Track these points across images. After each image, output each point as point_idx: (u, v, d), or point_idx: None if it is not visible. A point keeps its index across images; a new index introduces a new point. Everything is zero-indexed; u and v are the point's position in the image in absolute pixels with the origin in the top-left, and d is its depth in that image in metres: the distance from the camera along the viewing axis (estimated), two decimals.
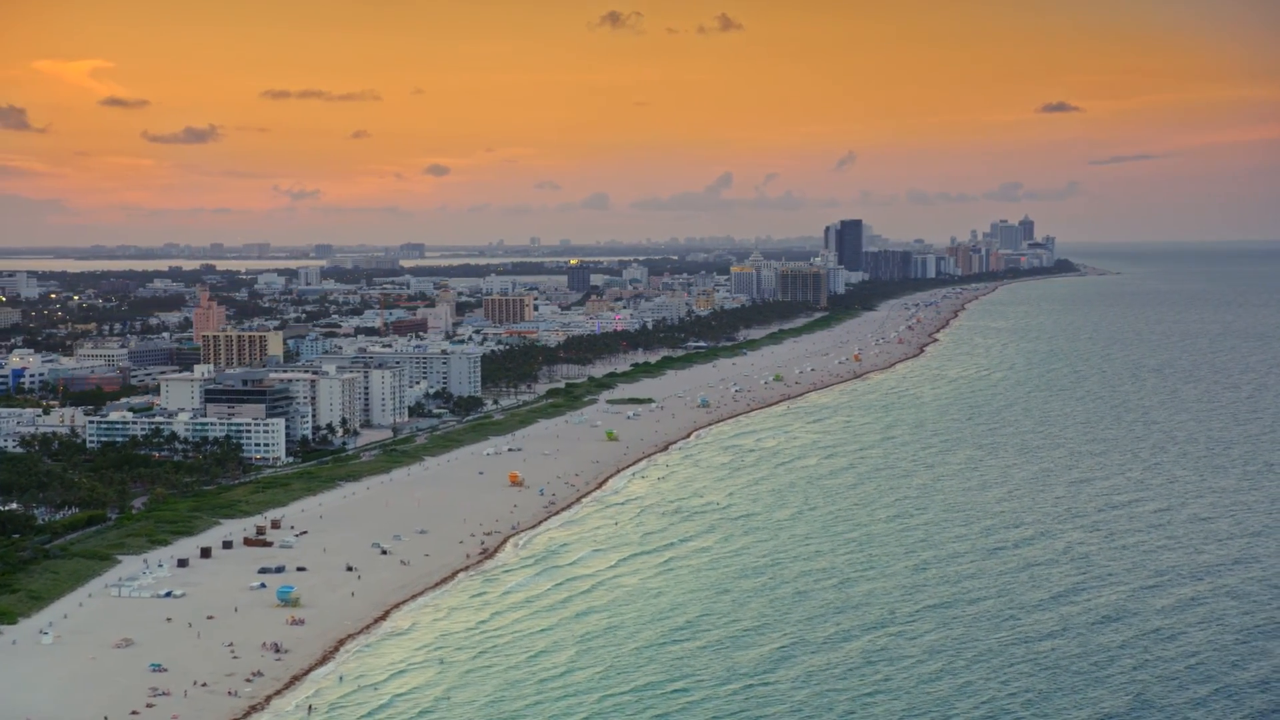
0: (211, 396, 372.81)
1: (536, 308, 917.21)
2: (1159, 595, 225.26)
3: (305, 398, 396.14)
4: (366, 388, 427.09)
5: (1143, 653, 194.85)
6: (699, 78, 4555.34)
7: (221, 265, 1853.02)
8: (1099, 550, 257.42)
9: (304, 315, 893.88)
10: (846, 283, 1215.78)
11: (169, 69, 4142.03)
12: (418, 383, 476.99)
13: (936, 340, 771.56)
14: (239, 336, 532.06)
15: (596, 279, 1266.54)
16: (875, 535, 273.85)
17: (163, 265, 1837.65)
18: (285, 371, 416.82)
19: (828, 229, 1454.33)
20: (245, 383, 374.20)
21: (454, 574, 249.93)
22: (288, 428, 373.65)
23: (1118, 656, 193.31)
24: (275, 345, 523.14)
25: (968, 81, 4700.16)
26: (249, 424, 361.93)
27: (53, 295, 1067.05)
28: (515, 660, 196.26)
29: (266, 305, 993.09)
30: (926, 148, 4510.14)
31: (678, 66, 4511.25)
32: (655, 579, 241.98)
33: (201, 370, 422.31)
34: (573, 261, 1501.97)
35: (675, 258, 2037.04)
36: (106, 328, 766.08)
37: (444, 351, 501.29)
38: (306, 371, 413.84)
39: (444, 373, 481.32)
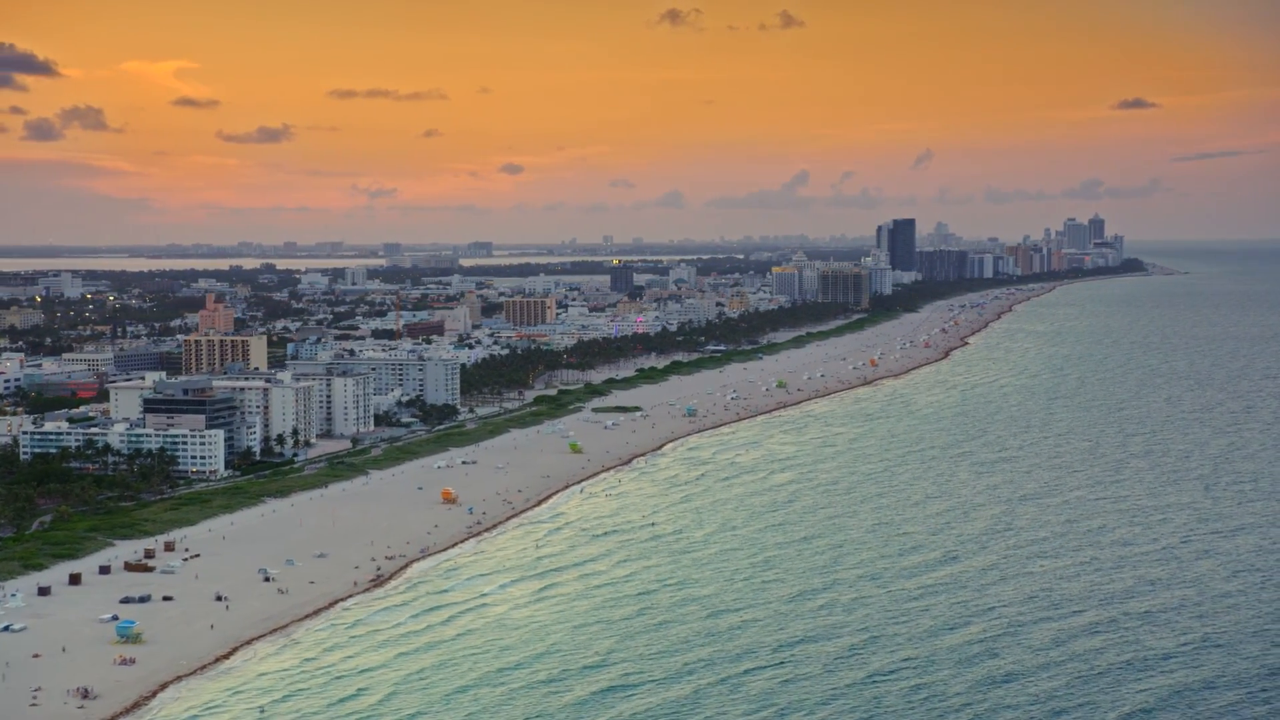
0: (150, 406, 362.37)
1: (566, 307, 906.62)
2: (1039, 630, 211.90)
3: (257, 407, 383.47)
4: (329, 396, 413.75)
5: (994, 700, 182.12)
6: (765, 75, 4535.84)
7: (284, 264, 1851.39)
8: (1004, 577, 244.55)
9: (332, 316, 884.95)
10: (896, 283, 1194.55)
11: (239, 69, 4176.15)
12: (392, 390, 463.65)
13: (967, 344, 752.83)
14: (221, 341, 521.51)
15: (641, 279, 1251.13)
16: (778, 558, 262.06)
17: (224, 264, 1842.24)
18: (240, 379, 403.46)
19: (880, 228, 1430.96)
20: (186, 392, 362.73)
21: (332, 604, 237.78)
22: (232, 439, 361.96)
23: (964, 705, 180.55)
24: (258, 350, 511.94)
25: (1039, 79, 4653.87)
26: (186, 435, 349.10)
27: (87, 296, 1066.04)
28: (322, 703, 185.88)
29: (299, 306, 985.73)
30: (1003, 145, 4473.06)
31: (741, 64, 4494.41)
32: (525, 609, 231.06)
33: (154, 378, 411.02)
34: (615, 261, 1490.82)
35: (741, 256, 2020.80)
36: (127, 329, 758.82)
37: (421, 358, 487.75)
38: (259, 380, 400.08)
39: (420, 380, 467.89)
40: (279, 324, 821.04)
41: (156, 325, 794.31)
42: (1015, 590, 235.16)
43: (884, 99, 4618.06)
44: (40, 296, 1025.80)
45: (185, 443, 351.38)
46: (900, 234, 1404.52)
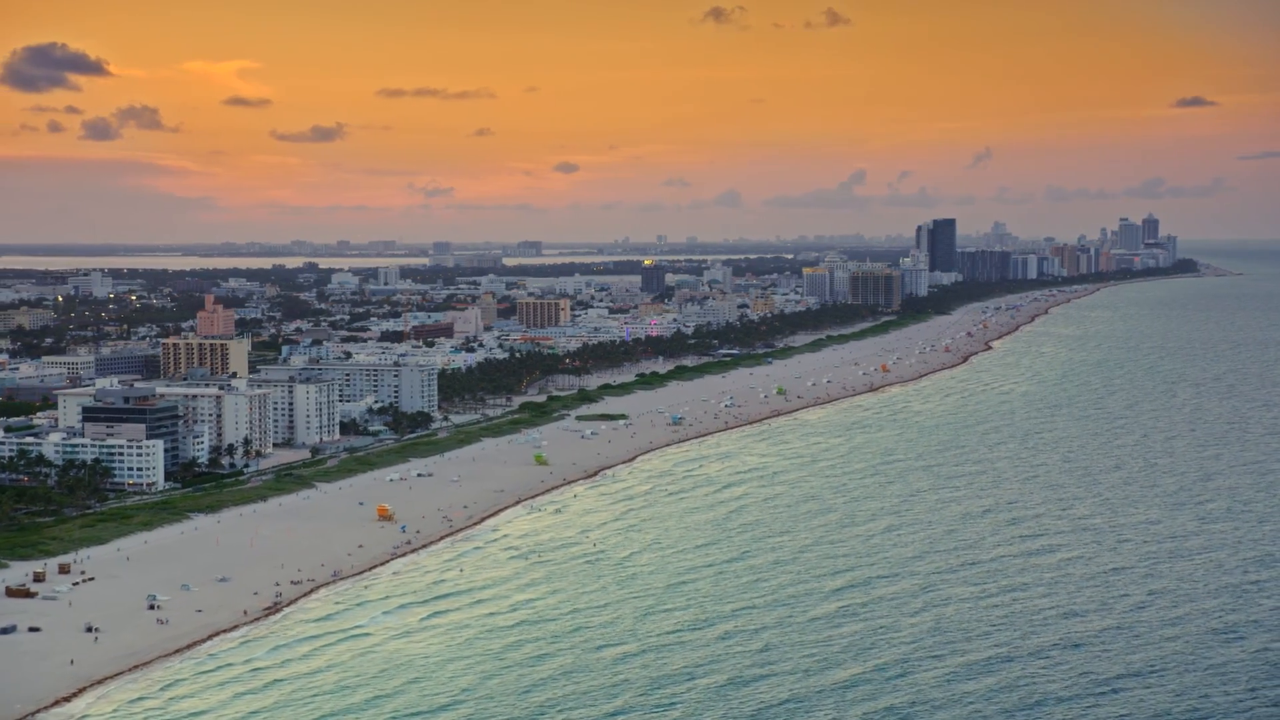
0: (90, 415, 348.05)
1: (590, 308, 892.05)
2: (935, 666, 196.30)
3: (210, 415, 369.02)
4: (291, 404, 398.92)
5: None
6: (814, 74, 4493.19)
7: (327, 263, 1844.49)
8: (928, 604, 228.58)
9: (349, 317, 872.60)
10: (935, 284, 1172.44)
11: (289, 68, 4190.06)
12: (365, 397, 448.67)
13: (990, 349, 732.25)
14: (200, 344, 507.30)
15: (674, 279, 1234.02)
16: (694, 582, 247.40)
17: (267, 263, 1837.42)
18: (196, 386, 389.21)
19: (919, 228, 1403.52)
20: (127, 400, 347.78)
21: (212, 635, 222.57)
22: (175, 450, 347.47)
23: None
24: (238, 354, 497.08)
25: (1093, 77, 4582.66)
26: (123, 446, 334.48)
27: (111, 295, 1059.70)
28: None
29: (321, 307, 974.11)
30: (1063, 144, 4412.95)
31: (789, 62, 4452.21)
32: (400, 639, 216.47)
33: (105, 383, 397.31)
34: (648, 261, 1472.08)
35: (790, 256, 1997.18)
36: (131, 331, 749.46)
37: (396, 363, 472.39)
38: (213, 387, 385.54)
39: (395, 387, 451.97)
40: (293, 325, 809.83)
41: (169, 326, 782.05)
42: (930, 618, 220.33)
43: (938, 98, 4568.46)
44: (63, 296, 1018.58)
45: (122, 453, 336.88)
46: (940, 234, 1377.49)
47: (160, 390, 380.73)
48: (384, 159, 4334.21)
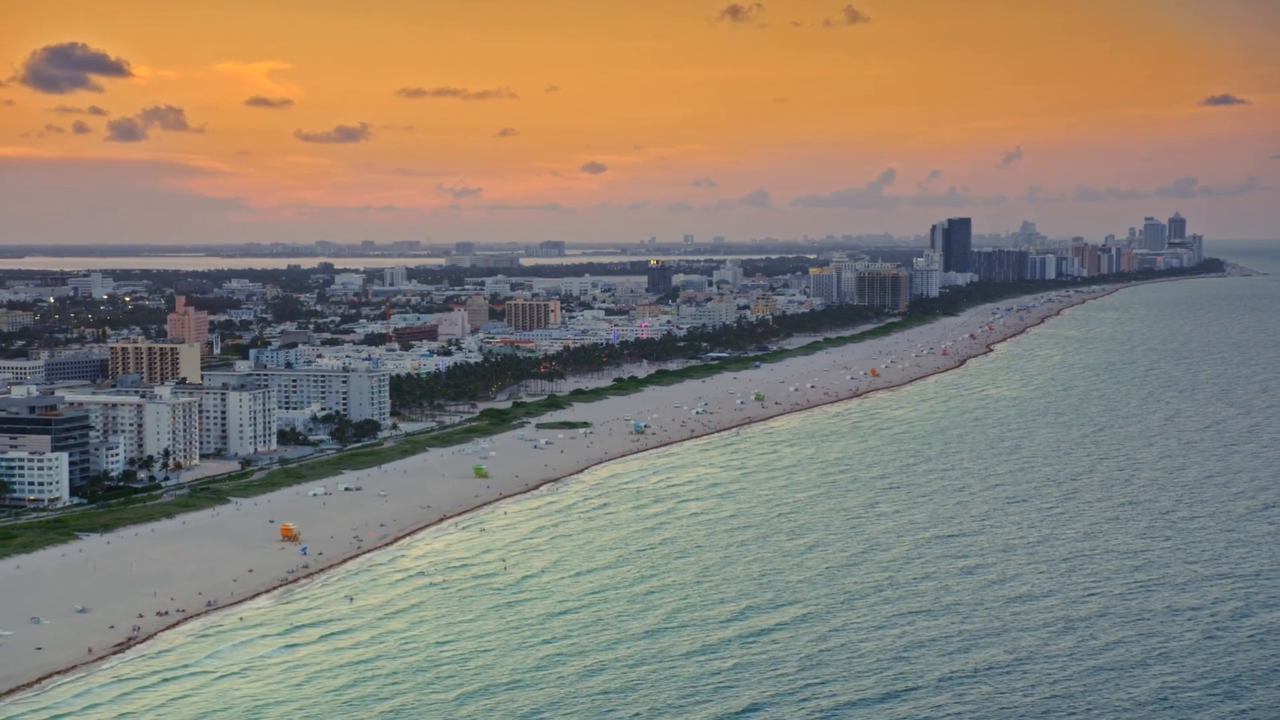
0: None
1: (589, 307, 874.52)
2: (792, 712, 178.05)
3: (131, 425, 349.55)
4: (224, 412, 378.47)
5: None
6: (836, 72, 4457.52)
7: (343, 263, 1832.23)
8: (816, 635, 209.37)
9: (340, 319, 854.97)
10: (948, 284, 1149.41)
11: (313, 69, 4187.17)
12: (311, 404, 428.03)
13: (991, 351, 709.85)
14: (150, 349, 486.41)
15: (681, 279, 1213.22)
16: (579, 609, 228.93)
17: (283, 264, 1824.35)
18: (118, 394, 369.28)
19: (934, 228, 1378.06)
20: (32, 410, 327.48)
21: (42, 678, 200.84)
22: (85, 462, 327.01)
23: None
24: (189, 358, 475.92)
25: (1121, 76, 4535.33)
26: (23, 459, 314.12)
27: (105, 296, 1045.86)
28: None
29: (312, 309, 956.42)
30: (1093, 143, 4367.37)
31: (810, 61, 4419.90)
32: (227, 681, 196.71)
33: (22, 391, 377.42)
34: (653, 262, 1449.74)
35: (812, 256, 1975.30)
36: (107, 334, 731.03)
37: (345, 369, 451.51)
38: (134, 395, 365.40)
39: (343, 394, 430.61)
40: (280, 327, 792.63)
41: (152, 328, 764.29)
42: (819, 649, 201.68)
43: (965, 97, 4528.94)
44: (55, 298, 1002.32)
45: (22, 467, 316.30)
46: (956, 233, 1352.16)
47: (76, 398, 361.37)
48: (412, 159, 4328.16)
